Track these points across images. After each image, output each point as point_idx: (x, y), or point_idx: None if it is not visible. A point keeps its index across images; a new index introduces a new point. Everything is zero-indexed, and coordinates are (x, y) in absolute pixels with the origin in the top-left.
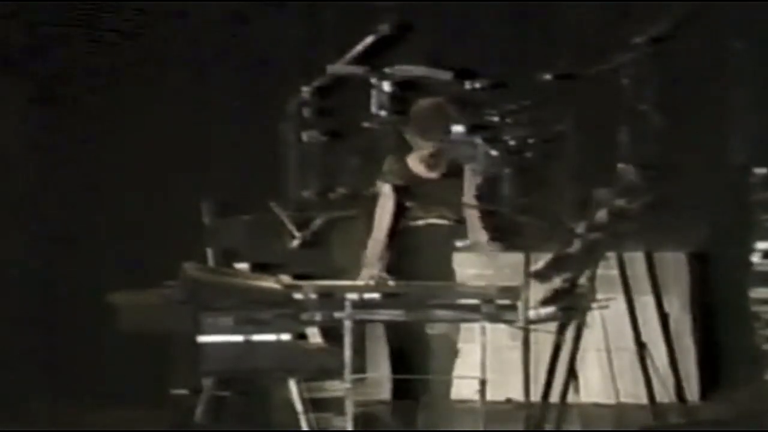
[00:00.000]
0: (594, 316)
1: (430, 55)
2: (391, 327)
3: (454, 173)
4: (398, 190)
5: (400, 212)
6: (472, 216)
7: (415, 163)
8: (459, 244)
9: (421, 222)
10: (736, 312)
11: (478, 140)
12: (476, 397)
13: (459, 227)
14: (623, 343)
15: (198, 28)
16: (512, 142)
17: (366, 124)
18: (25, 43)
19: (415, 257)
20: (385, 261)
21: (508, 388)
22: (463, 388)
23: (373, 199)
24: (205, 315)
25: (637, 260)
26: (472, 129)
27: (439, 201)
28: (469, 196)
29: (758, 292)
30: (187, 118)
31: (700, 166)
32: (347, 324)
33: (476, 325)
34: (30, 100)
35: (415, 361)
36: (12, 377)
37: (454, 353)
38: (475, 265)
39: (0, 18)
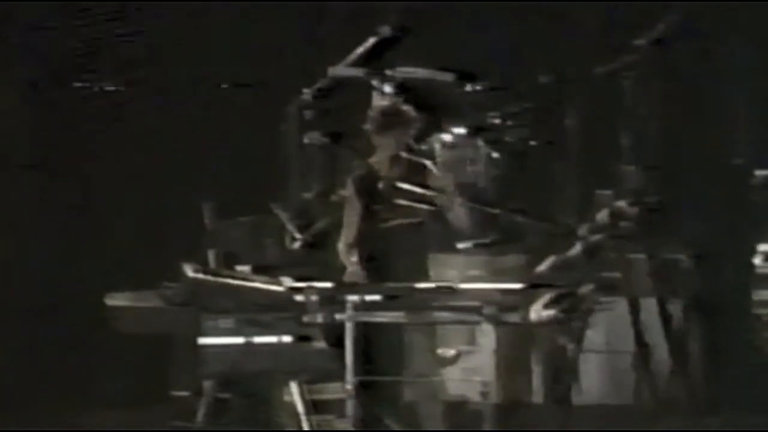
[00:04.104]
0: (596, 318)
1: (431, 57)
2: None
3: (417, 172)
4: (364, 192)
5: (367, 214)
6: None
7: (378, 165)
8: (460, 245)
9: (390, 223)
10: (738, 314)
11: (480, 142)
12: (478, 398)
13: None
14: (625, 345)
15: (199, 29)
16: (514, 144)
17: (367, 126)
18: (27, 37)
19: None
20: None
21: (510, 389)
22: (466, 389)
23: (342, 203)
24: (206, 317)
25: (639, 262)
26: (474, 131)
27: (404, 200)
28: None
29: (760, 294)
30: (189, 120)
31: (701, 168)
32: (349, 326)
33: (478, 327)
34: (31, 99)
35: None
36: (12, 378)
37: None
38: (477, 267)
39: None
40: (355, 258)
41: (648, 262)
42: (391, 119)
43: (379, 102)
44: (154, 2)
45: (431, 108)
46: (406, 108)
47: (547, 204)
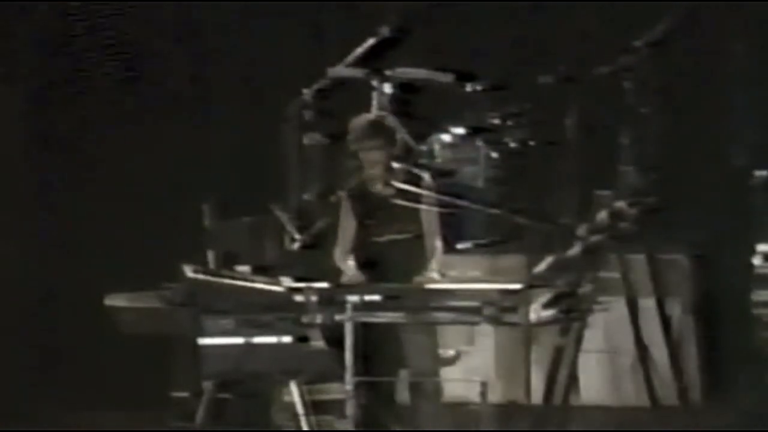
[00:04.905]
0: (595, 319)
1: (431, 58)
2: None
3: (412, 184)
4: (358, 202)
5: (362, 225)
6: (430, 223)
7: (372, 175)
8: (459, 246)
9: (383, 238)
10: (737, 315)
11: (480, 143)
12: (478, 399)
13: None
14: (624, 346)
15: (199, 30)
16: (513, 145)
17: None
18: (26, 43)
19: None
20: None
21: (509, 390)
22: (466, 389)
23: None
24: (205, 317)
25: (638, 263)
26: (473, 131)
27: (398, 215)
28: (428, 204)
29: (759, 295)
30: (189, 120)
31: (701, 168)
32: (348, 326)
33: (478, 328)
34: (30, 99)
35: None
36: (12, 379)
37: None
38: (476, 267)
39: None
40: (351, 262)
41: (648, 262)
42: (374, 134)
43: (360, 118)
44: (154, 2)
45: (424, 113)
46: (389, 122)
47: (547, 204)
